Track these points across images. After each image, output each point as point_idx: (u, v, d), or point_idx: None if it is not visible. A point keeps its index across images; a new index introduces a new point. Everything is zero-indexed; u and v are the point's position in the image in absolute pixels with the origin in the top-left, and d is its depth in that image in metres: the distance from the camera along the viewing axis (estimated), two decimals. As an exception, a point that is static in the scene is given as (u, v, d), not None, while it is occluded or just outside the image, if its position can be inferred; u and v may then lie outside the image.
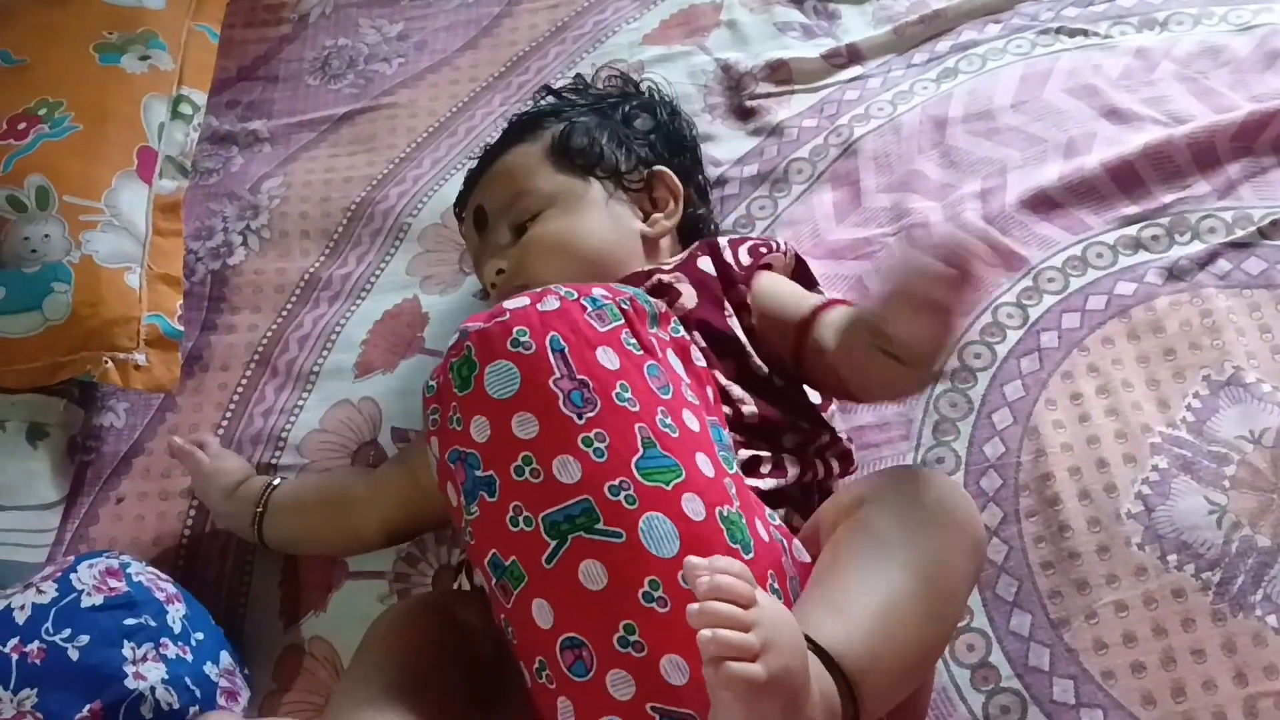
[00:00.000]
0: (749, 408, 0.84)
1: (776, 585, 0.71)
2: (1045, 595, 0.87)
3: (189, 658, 0.86)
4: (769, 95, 1.24)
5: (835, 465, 0.88)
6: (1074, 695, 0.83)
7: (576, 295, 0.75)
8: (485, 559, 0.72)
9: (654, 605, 0.67)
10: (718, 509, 0.70)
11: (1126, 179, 1.07)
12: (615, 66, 1.27)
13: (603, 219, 0.98)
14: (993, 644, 0.86)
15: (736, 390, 0.85)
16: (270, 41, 1.42)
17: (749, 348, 0.88)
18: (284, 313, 1.17)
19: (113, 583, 0.87)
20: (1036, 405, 0.96)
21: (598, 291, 0.76)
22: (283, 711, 0.92)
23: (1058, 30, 1.23)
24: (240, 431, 1.09)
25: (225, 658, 0.90)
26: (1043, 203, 1.08)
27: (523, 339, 0.72)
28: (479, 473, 0.72)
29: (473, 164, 1.10)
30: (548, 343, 0.72)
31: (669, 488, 0.69)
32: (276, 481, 1.00)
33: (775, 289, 0.92)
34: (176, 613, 0.88)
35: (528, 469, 0.70)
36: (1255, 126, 1.07)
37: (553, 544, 0.69)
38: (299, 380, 1.11)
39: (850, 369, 0.83)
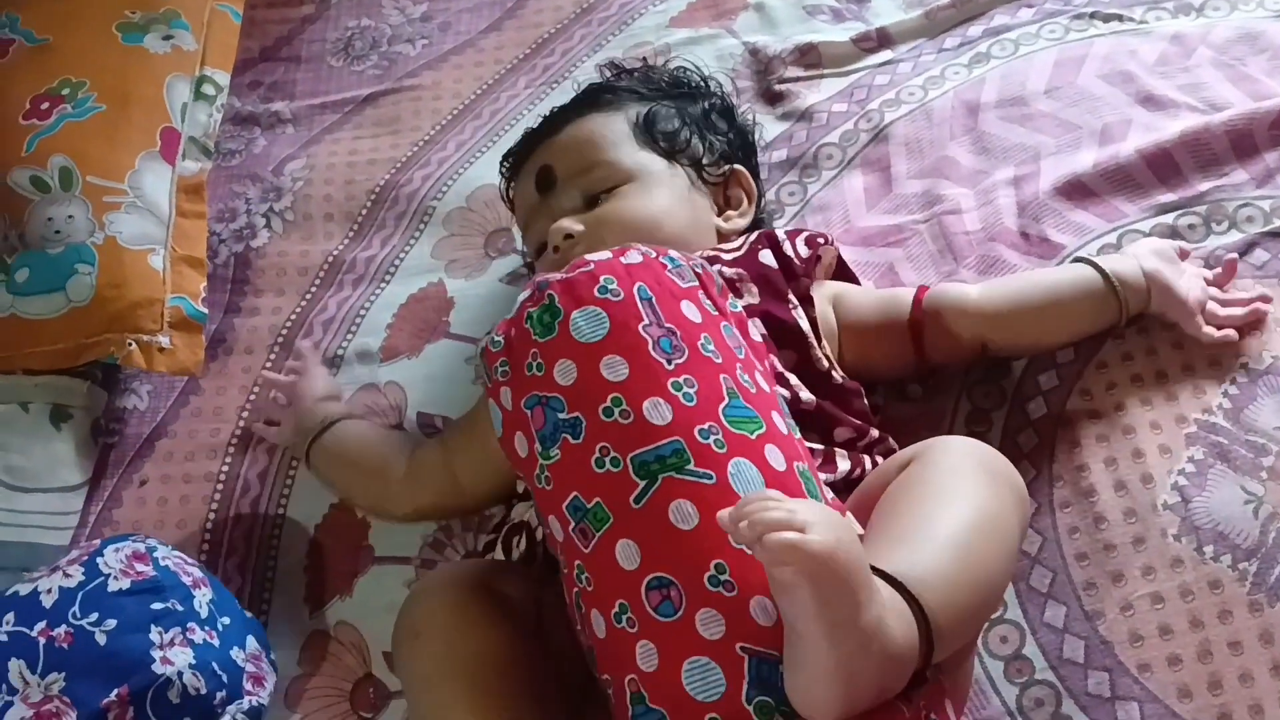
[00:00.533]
0: (806, 394, 0.85)
1: None
2: (1080, 587, 0.86)
3: (216, 643, 0.85)
4: (798, 79, 1.23)
5: (880, 461, 0.87)
6: (1109, 688, 0.82)
7: (656, 254, 0.77)
8: (565, 503, 0.71)
9: (744, 548, 0.66)
10: (796, 464, 0.72)
11: (1163, 167, 1.06)
12: (653, 54, 1.25)
13: (684, 205, 0.98)
14: (1026, 636, 0.85)
15: (793, 379, 0.85)
16: (293, 22, 1.41)
17: (811, 339, 0.88)
18: (308, 296, 1.16)
19: (139, 567, 0.86)
20: (1070, 396, 0.95)
21: (674, 253, 0.78)
22: (309, 696, 0.92)
23: (1092, 15, 1.21)
24: (265, 415, 1.08)
25: (252, 643, 0.90)
26: (1077, 190, 1.06)
27: (610, 286, 0.73)
28: (563, 415, 0.72)
29: (535, 122, 1.08)
30: (635, 291, 0.73)
31: (753, 437, 0.71)
32: (339, 418, 1.01)
33: (854, 301, 0.95)
34: (203, 597, 0.87)
35: (617, 410, 0.70)
36: (1294, 114, 1.06)
37: (642, 484, 0.69)
38: (324, 364, 1.11)
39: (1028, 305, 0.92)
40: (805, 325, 0.89)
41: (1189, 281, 0.94)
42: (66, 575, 0.85)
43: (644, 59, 1.21)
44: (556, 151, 1.01)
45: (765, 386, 0.76)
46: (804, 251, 0.93)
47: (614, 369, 0.71)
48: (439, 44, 1.36)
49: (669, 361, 0.71)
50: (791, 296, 0.90)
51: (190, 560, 0.91)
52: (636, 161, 0.99)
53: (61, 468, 1.04)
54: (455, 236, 1.18)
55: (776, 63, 1.24)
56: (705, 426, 0.70)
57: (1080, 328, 0.94)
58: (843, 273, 1.00)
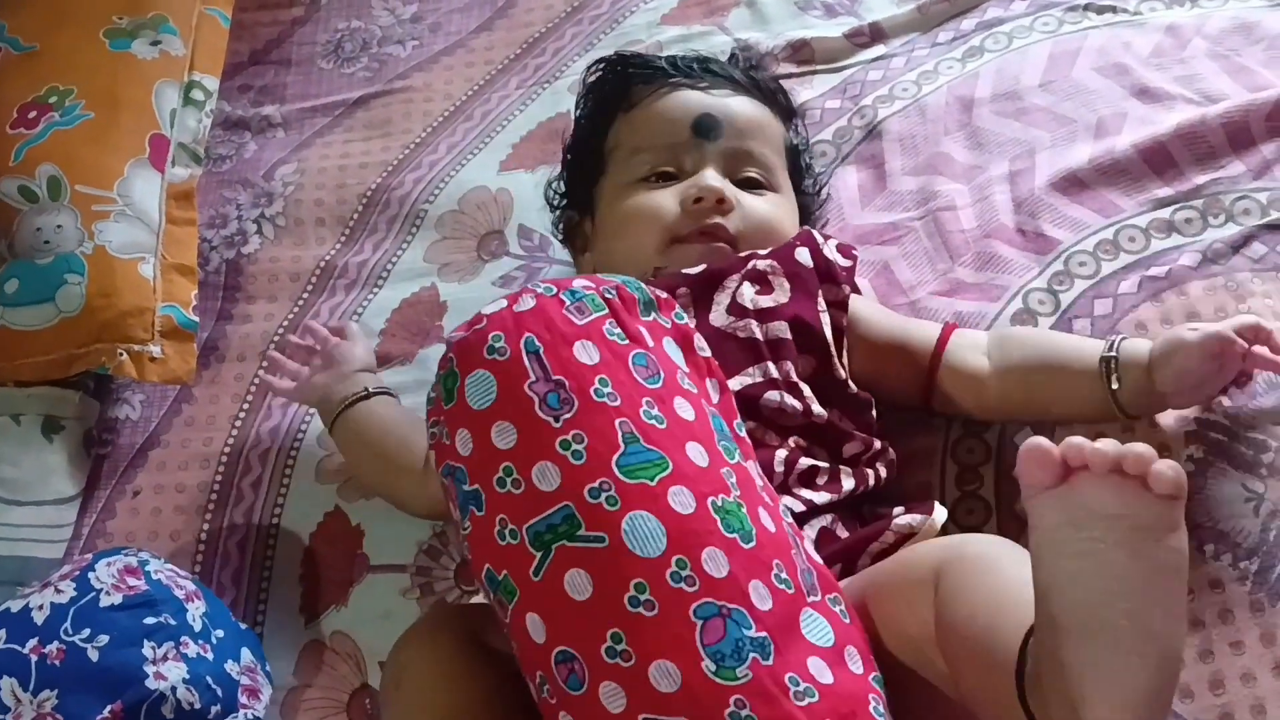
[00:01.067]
0: (818, 408, 0.83)
1: (785, 575, 0.69)
2: (1079, 588, 0.86)
3: (210, 656, 0.85)
4: (790, 76, 1.22)
5: (884, 473, 0.87)
6: (1110, 690, 0.82)
7: (555, 290, 0.73)
8: (482, 574, 0.71)
9: (641, 610, 0.65)
10: (710, 499, 0.68)
11: (1159, 160, 1.05)
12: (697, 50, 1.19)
13: (790, 233, 0.97)
14: (1026, 638, 0.85)
15: (807, 390, 0.84)
16: (283, 24, 1.40)
17: (833, 348, 0.88)
18: (300, 301, 1.16)
19: (131, 581, 0.86)
20: (1069, 393, 0.94)
21: (579, 283, 0.74)
22: (305, 708, 0.91)
23: (1085, 7, 1.20)
24: (258, 423, 1.08)
25: (246, 655, 0.89)
26: (1073, 185, 1.05)
27: (498, 345, 0.70)
28: (466, 487, 0.70)
29: (689, 56, 1.06)
30: (522, 345, 0.70)
31: (654, 483, 0.67)
32: (368, 391, 0.98)
33: (874, 319, 0.94)
34: (196, 610, 0.87)
35: (509, 480, 0.68)
36: (1291, 105, 1.05)
37: (538, 556, 0.67)
38: (316, 370, 1.10)
39: (1036, 399, 0.88)
40: (829, 333, 0.88)
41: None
42: (58, 591, 0.85)
43: (754, 55, 1.17)
44: (728, 111, 0.99)
45: (688, 414, 0.71)
46: (843, 261, 0.93)
47: (504, 436, 0.68)
48: (429, 45, 1.35)
49: (556, 418, 0.68)
50: (822, 300, 0.89)
51: (183, 573, 0.91)
52: (784, 179, 1.00)
53: (54, 479, 1.03)
54: (448, 240, 1.18)
55: (769, 59, 1.23)
56: (596, 484, 0.66)
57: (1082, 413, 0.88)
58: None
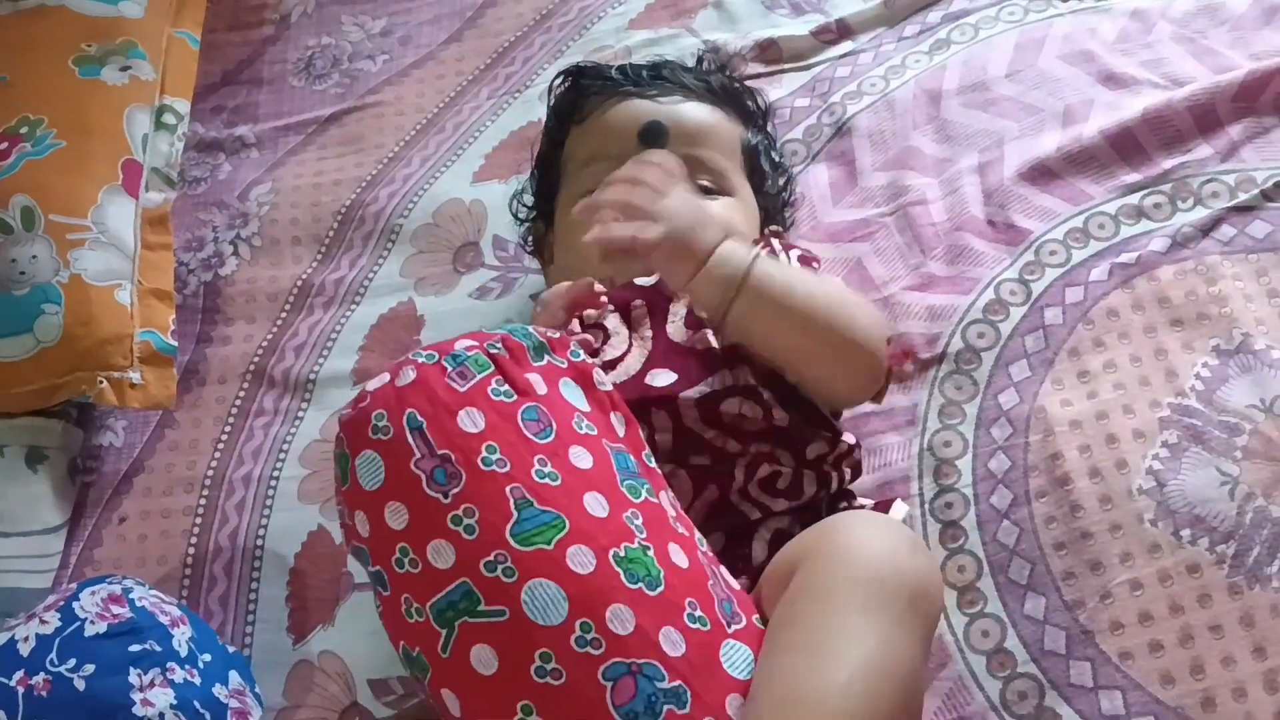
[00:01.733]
0: (779, 412, 0.83)
1: (700, 613, 0.68)
2: (1059, 577, 0.86)
3: (197, 681, 0.85)
4: (759, 75, 1.22)
5: (847, 474, 0.88)
6: (1091, 677, 0.82)
7: (437, 357, 0.72)
8: (399, 650, 0.71)
9: (548, 679, 0.65)
10: (611, 552, 0.67)
11: (1126, 146, 1.05)
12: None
13: (748, 236, 0.94)
14: (1008, 629, 0.85)
15: (767, 394, 0.83)
16: (253, 44, 1.40)
17: None
18: (279, 321, 1.16)
19: (116, 609, 0.86)
20: (1043, 384, 0.94)
21: (461, 345, 0.73)
22: (295, 727, 0.92)
23: (1050, -6, 1.20)
24: (241, 445, 1.08)
25: (234, 678, 0.89)
26: (1042, 174, 1.06)
27: (380, 424, 0.69)
28: (370, 568, 0.70)
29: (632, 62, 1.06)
30: (405, 422, 0.69)
31: (551, 546, 0.66)
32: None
33: None
34: (182, 636, 0.87)
35: (406, 560, 0.68)
36: (1256, 86, 1.05)
37: (443, 633, 0.66)
38: (297, 389, 1.10)
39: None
40: None
41: None
42: (43, 622, 0.85)
43: (723, 56, 1.17)
44: (676, 118, 0.98)
45: (585, 462, 0.70)
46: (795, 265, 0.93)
47: (397, 516, 0.68)
48: (400, 58, 1.35)
49: (446, 495, 0.67)
50: None
51: (168, 599, 0.91)
52: (740, 183, 0.99)
53: (40, 509, 1.04)
54: (423, 254, 1.18)
55: (737, 60, 1.23)
56: (491, 558, 0.66)
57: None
58: None
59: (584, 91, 1.03)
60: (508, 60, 1.32)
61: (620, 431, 0.74)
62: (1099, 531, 0.87)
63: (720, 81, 1.06)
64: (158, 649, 0.85)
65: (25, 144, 1.14)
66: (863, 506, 0.85)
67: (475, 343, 0.73)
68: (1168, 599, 0.84)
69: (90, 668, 0.82)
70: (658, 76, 1.03)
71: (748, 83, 1.12)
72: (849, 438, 0.88)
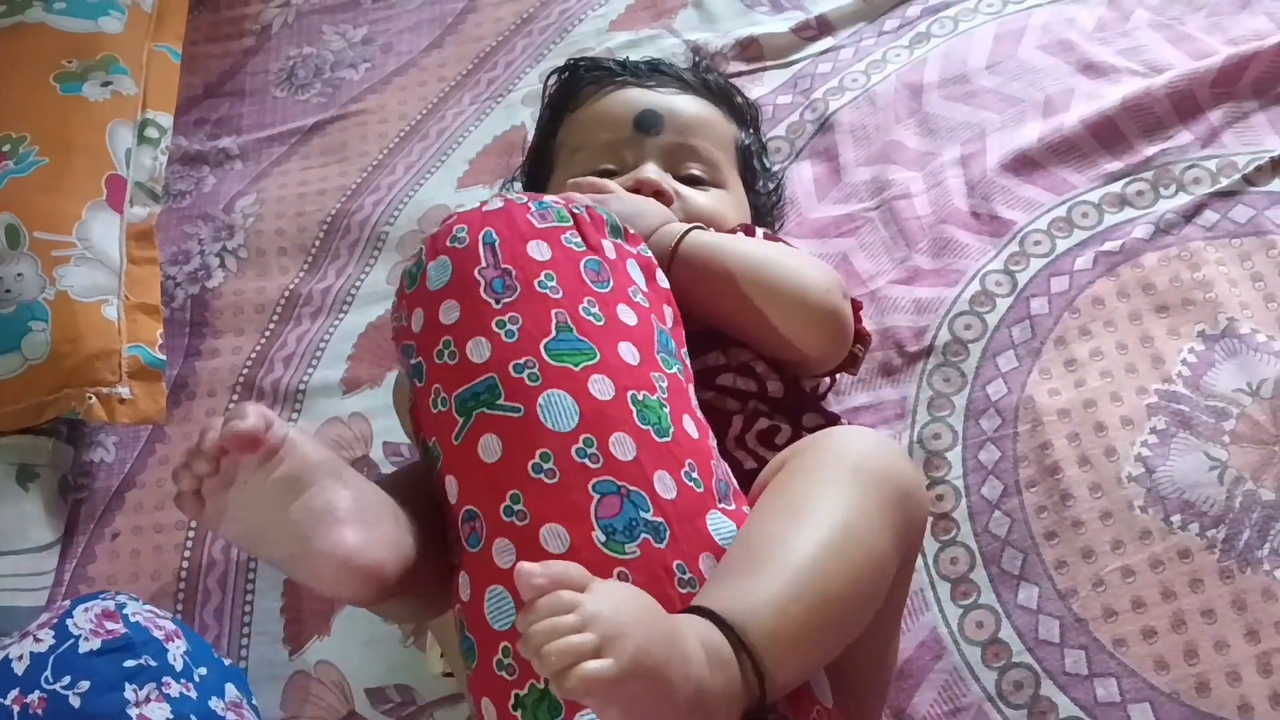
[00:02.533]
0: (774, 383, 0.85)
1: (696, 475, 0.70)
2: (1051, 566, 0.86)
3: (193, 694, 0.85)
4: (741, 74, 1.22)
5: None
6: (1086, 666, 0.82)
7: (525, 199, 0.78)
8: (418, 440, 0.75)
9: (542, 476, 0.68)
10: (630, 392, 0.71)
11: (1107, 134, 1.06)
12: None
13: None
14: (1002, 620, 0.85)
15: (760, 368, 0.85)
16: (234, 55, 1.40)
17: None
18: (267, 333, 1.16)
19: (109, 625, 0.86)
20: (1030, 374, 0.94)
21: (550, 198, 0.79)
22: (293, 738, 0.92)
23: (1028, -16, 1.21)
24: (231, 457, 1.08)
25: (231, 690, 0.89)
26: (1024, 165, 1.06)
27: (460, 235, 0.75)
28: (412, 360, 0.75)
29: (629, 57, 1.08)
30: (480, 237, 0.74)
31: (577, 369, 0.71)
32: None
33: None
34: (177, 650, 0.87)
35: (446, 352, 0.72)
36: (1234, 70, 1.05)
37: (460, 421, 0.71)
38: (286, 400, 1.10)
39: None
40: None
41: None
42: (37, 640, 0.85)
43: (705, 55, 1.19)
44: (671, 108, 1.00)
45: (629, 319, 0.74)
46: None
47: (449, 313, 0.73)
48: (381, 66, 1.35)
49: (498, 301, 0.72)
50: None
51: (162, 613, 0.91)
52: (733, 177, 1.00)
53: (32, 528, 1.03)
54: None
55: (719, 59, 1.23)
56: (521, 361, 0.71)
57: None
58: None
59: (581, 81, 1.05)
60: (489, 65, 1.33)
61: (668, 323, 0.78)
62: (1090, 520, 0.87)
63: (716, 81, 1.08)
64: (153, 664, 0.85)
65: (8, 161, 1.14)
66: None
67: (561, 201, 0.78)
68: (1160, 585, 0.84)
69: (85, 684, 0.82)
70: (655, 70, 1.05)
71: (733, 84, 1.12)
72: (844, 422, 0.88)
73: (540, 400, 0.69)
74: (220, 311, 1.18)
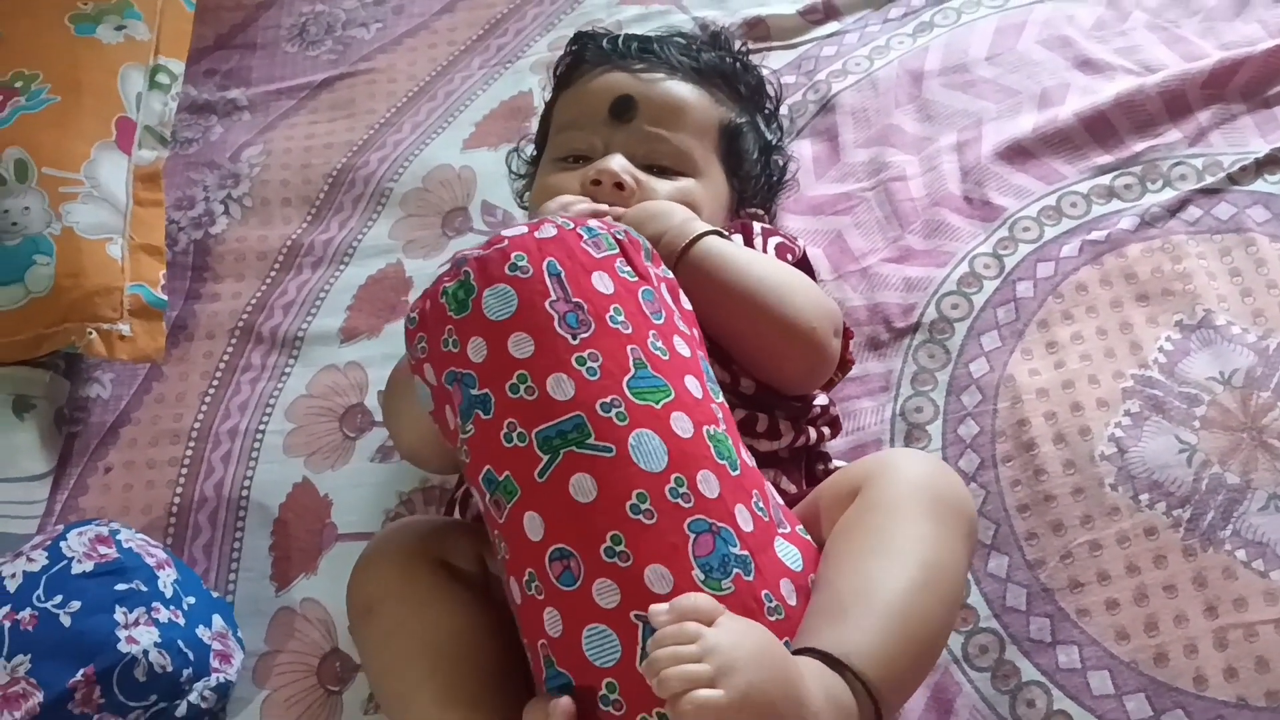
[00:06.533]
0: (746, 380, 0.86)
1: (761, 505, 0.73)
2: (1022, 537, 0.89)
3: (181, 622, 0.87)
4: (747, 53, 1.24)
5: (826, 431, 0.90)
6: (1050, 633, 0.85)
7: (573, 225, 0.77)
8: (480, 475, 0.73)
9: (640, 517, 0.69)
10: (705, 427, 0.72)
11: (1099, 128, 1.08)
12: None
13: (716, 222, 0.93)
14: (971, 587, 0.88)
15: (735, 366, 0.86)
16: (247, 8, 1.42)
17: None
18: (268, 280, 1.18)
19: (103, 549, 0.88)
20: (1013, 354, 0.97)
21: (593, 222, 0.78)
22: (276, 672, 0.94)
23: (1031, -19, 1.23)
24: (228, 399, 1.10)
25: (218, 621, 0.91)
26: (1018, 153, 1.09)
27: (520, 263, 0.74)
28: (474, 391, 0.73)
29: (605, 33, 1.06)
30: (545, 267, 0.74)
31: (659, 406, 0.71)
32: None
33: None
34: (167, 578, 0.89)
35: (523, 386, 0.72)
36: (1225, 74, 1.08)
37: (545, 458, 0.70)
38: (285, 346, 1.12)
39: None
40: None
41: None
42: (30, 560, 0.87)
43: (717, 31, 1.13)
44: (648, 95, 0.98)
45: (685, 350, 0.76)
46: (771, 254, 0.93)
47: (520, 346, 0.72)
48: (393, 27, 1.37)
49: (574, 336, 0.72)
50: None
51: (154, 542, 0.93)
52: (709, 163, 0.98)
53: (25, 457, 1.05)
54: (412, 217, 1.20)
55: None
56: (608, 400, 0.71)
57: None
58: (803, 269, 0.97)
59: (579, 59, 1.05)
60: (500, 31, 1.34)
61: (704, 347, 0.80)
62: (1061, 495, 0.90)
63: (712, 60, 1.05)
64: (143, 589, 0.87)
65: (19, 98, 1.15)
66: (838, 469, 0.88)
67: (604, 226, 0.78)
68: (1125, 559, 0.87)
69: (76, 604, 0.84)
70: (647, 50, 1.03)
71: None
72: (821, 399, 0.90)
73: (630, 440, 0.70)
74: (222, 257, 1.20)
